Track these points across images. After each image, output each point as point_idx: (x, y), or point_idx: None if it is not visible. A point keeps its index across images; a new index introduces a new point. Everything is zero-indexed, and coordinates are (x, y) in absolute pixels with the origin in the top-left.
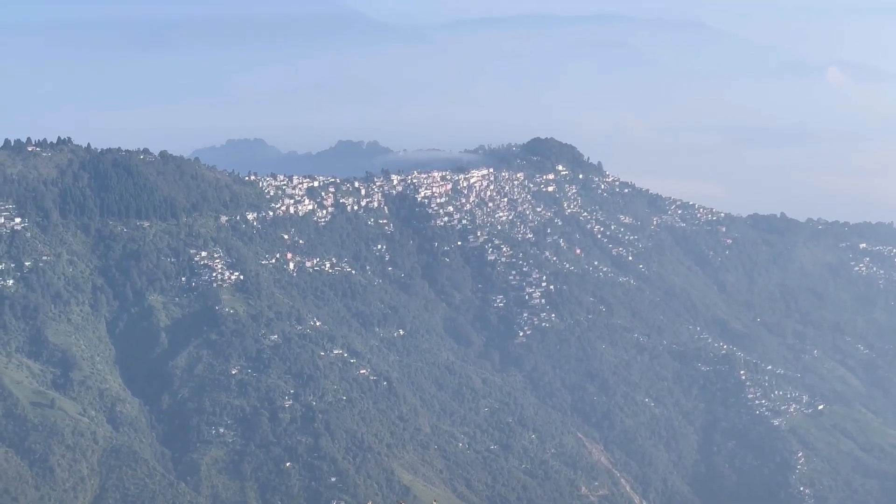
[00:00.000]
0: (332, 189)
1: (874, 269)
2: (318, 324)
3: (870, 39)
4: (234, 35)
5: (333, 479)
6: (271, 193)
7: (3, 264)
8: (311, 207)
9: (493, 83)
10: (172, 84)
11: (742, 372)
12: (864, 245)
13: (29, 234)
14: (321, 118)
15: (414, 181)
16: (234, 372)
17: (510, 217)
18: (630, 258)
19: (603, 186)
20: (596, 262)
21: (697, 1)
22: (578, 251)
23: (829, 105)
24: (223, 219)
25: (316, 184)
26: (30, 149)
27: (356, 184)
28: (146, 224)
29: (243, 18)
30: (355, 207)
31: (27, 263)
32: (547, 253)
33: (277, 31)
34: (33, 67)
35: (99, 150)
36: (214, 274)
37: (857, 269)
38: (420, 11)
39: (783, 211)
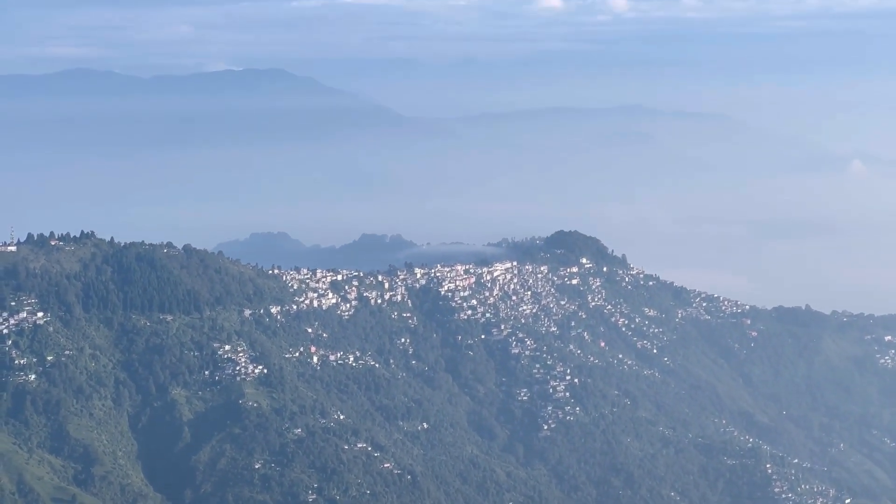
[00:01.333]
0: (355, 283)
1: None
2: (341, 417)
3: (890, 133)
4: (259, 129)
5: None
6: (295, 287)
7: (26, 359)
8: (334, 301)
9: (517, 176)
10: (196, 178)
11: (768, 465)
12: (889, 337)
13: (51, 329)
14: (344, 212)
15: (437, 274)
16: (257, 466)
17: (534, 310)
18: (655, 351)
19: (627, 279)
20: (620, 355)
21: (719, 93)
22: (603, 344)
23: (852, 197)
24: (247, 312)
25: (339, 277)
26: (53, 243)
27: (380, 277)
28: (169, 318)
29: (268, 113)
30: (379, 301)
31: (49, 358)
32: (571, 346)
33: (302, 126)
34: (56, 161)
35: (122, 244)
36: (238, 367)
37: (882, 361)
38: (444, 106)
39: (808, 303)
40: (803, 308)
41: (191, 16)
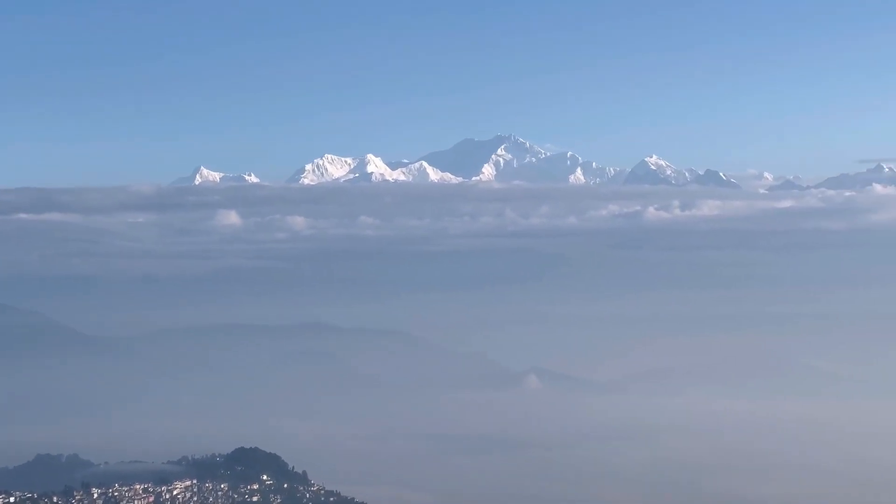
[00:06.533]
0: None
1: None
2: None
3: (566, 348)
4: None
5: None
6: None
7: None
8: None
9: (198, 393)
10: None
11: None
12: None
13: None
14: (19, 433)
15: (115, 494)
16: None
17: None
18: None
19: (308, 495)
20: None
21: (399, 309)
22: None
23: (529, 411)
24: None
25: (12, 499)
26: None
27: (55, 498)
28: None
29: None
30: None
31: None
32: None
33: None
34: None
35: None
36: None
37: None
38: (125, 323)
39: None
40: None
41: None
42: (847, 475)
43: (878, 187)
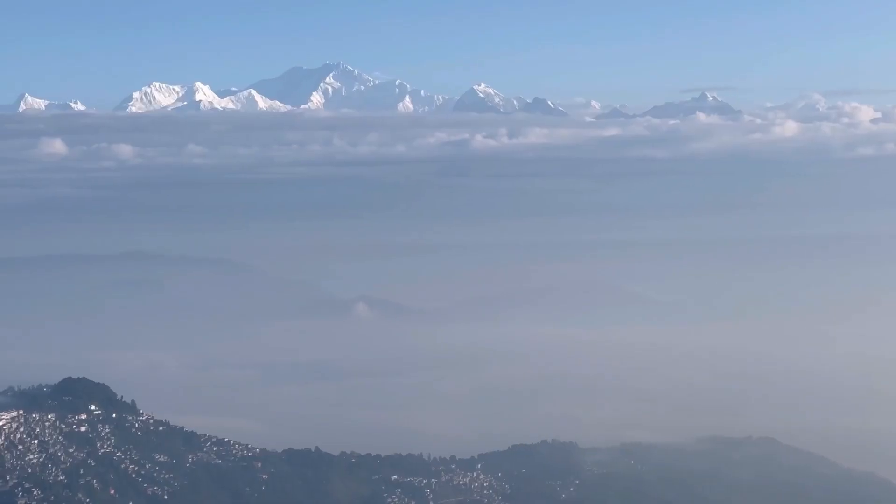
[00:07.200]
0: None
1: (405, 500)
2: None
3: (395, 276)
4: None
5: None
6: None
7: None
8: None
9: (22, 323)
10: None
11: None
12: (395, 476)
13: None
14: None
15: None
16: None
17: (41, 459)
18: (166, 497)
19: (137, 424)
20: (130, 502)
21: (224, 237)
22: (112, 491)
23: (358, 341)
24: None
25: None
26: None
27: None
28: None
29: None
30: None
31: None
32: (80, 495)
33: None
34: None
35: None
36: None
37: (389, 500)
38: None
39: (317, 445)
40: (312, 450)
41: None
42: (667, 398)
43: (701, 116)
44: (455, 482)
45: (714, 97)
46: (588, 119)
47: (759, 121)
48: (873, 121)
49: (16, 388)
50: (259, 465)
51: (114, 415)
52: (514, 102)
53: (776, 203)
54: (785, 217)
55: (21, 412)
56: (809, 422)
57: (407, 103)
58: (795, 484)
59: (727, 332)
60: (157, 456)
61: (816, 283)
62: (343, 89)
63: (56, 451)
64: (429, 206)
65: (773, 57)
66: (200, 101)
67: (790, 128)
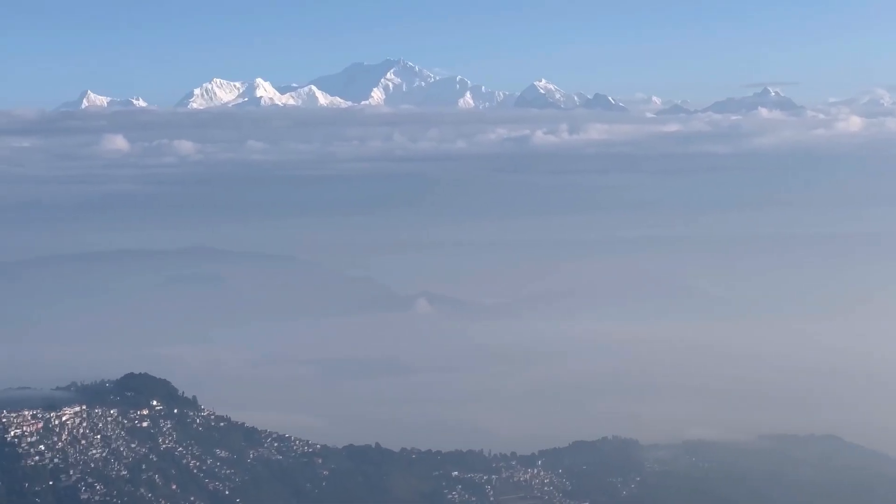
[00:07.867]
0: None
1: (466, 496)
2: None
3: (456, 272)
4: None
5: None
6: None
7: None
8: None
9: (86, 318)
10: None
11: None
12: (455, 473)
13: None
14: None
15: (3, 420)
16: None
17: (104, 454)
18: (227, 493)
19: (199, 420)
20: (192, 498)
21: (287, 234)
22: (174, 487)
23: (420, 336)
24: None
25: None
26: None
27: None
28: None
29: None
30: None
31: None
32: (142, 490)
33: None
34: None
35: None
36: None
37: (450, 496)
38: (7, 249)
39: (378, 441)
40: (373, 446)
41: None
42: (728, 395)
43: (763, 111)
44: (515, 479)
45: (776, 92)
46: (649, 115)
47: (822, 116)
48: None
49: (78, 384)
50: (320, 461)
51: (175, 410)
52: (575, 98)
53: (839, 199)
54: (849, 213)
55: (84, 407)
56: (874, 419)
57: (467, 99)
58: (859, 482)
59: (790, 329)
60: (218, 451)
61: (883, 280)
62: (403, 85)
63: (118, 446)
64: (489, 202)
65: (837, 51)
66: (261, 97)
67: (854, 123)
